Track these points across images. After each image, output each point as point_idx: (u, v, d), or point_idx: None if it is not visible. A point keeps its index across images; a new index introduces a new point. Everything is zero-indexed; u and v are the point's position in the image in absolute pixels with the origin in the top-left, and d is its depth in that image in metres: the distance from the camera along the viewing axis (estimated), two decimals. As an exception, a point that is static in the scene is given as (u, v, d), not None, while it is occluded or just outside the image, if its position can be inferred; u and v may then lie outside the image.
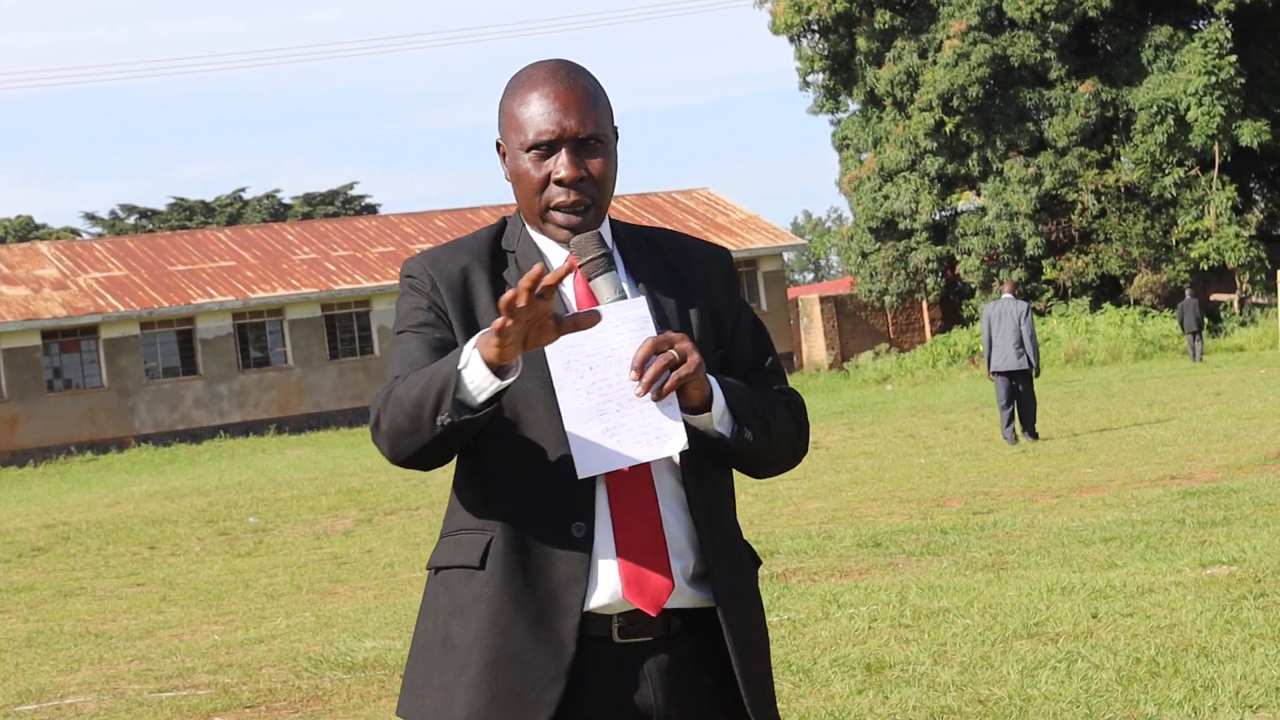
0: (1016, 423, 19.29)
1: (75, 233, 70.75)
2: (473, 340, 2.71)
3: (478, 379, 2.68)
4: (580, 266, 2.85)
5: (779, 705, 3.10)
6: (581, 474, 2.77)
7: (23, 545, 19.08)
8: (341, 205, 73.49)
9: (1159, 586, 8.76)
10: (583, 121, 2.87)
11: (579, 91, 2.89)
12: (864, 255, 46.83)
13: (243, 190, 74.98)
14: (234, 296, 45.93)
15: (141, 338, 45.06)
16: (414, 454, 2.79)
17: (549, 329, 2.65)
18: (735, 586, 2.89)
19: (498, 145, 2.98)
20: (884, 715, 6.67)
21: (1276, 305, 40.79)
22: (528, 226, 2.97)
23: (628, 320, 2.77)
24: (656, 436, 2.75)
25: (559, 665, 2.80)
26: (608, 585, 2.82)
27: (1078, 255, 44.31)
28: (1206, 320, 40.57)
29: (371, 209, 73.79)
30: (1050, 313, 43.62)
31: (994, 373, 19.36)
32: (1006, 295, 19.81)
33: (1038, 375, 19.61)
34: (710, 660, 2.88)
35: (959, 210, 46.19)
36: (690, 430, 2.80)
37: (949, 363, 40.84)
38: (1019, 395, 19.24)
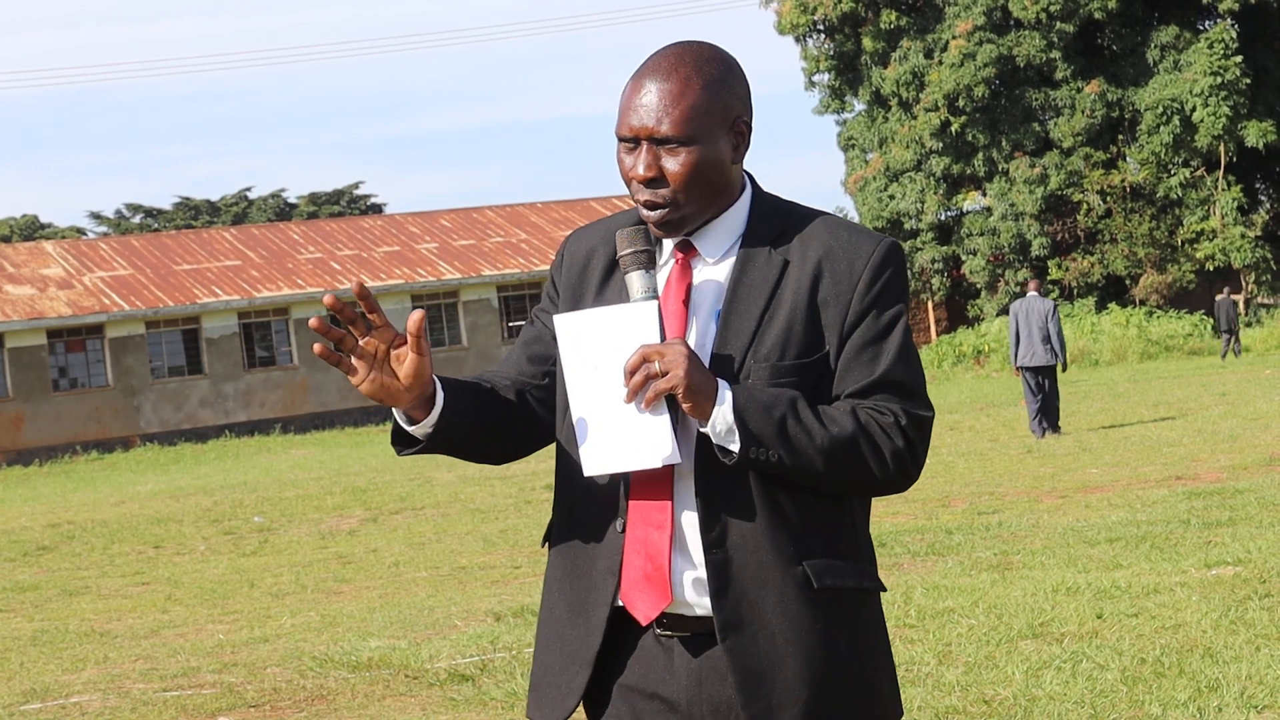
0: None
1: (81, 232, 70.82)
2: None
3: (403, 421, 2.84)
4: (620, 258, 2.83)
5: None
6: (588, 471, 2.77)
7: (28, 544, 19.09)
8: (347, 205, 73.51)
9: (1164, 587, 8.76)
10: (660, 120, 2.79)
11: (671, 85, 2.80)
12: (869, 255, 46.82)
13: (248, 189, 75.08)
14: (239, 296, 45.95)
15: (147, 337, 45.09)
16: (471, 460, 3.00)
17: (403, 358, 2.75)
18: (750, 606, 2.77)
19: None
20: (888, 715, 6.66)
21: (1282, 306, 40.74)
22: None
23: (633, 324, 2.74)
24: (645, 445, 2.72)
25: (588, 652, 2.85)
26: None
27: (1083, 255, 44.29)
28: (1213, 322, 40.54)
29: (377, 208, 73.82)
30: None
31: (1020, 368, 19.89)
32: (1032, 293, 20.38)
33: (1064, 370, 20.30)
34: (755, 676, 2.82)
35: (964, 210, 46.17)
36: (708, 443, 2.75)
37: (954, 363, 40.83)
38: (1044, 390, 19.73)
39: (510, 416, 2.91)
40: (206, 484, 27.59)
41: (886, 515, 13.47)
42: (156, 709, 8.31)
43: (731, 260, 2.85)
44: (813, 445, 2.74)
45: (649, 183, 2.81)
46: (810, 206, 2.96)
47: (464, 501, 18.81)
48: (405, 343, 2.74)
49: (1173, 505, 12.14)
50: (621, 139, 2.84)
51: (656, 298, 2.79)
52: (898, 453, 2.79)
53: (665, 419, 2.72)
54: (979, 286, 45.61)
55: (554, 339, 2.90)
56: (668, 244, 2.89)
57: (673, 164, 2.80)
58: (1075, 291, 44.44)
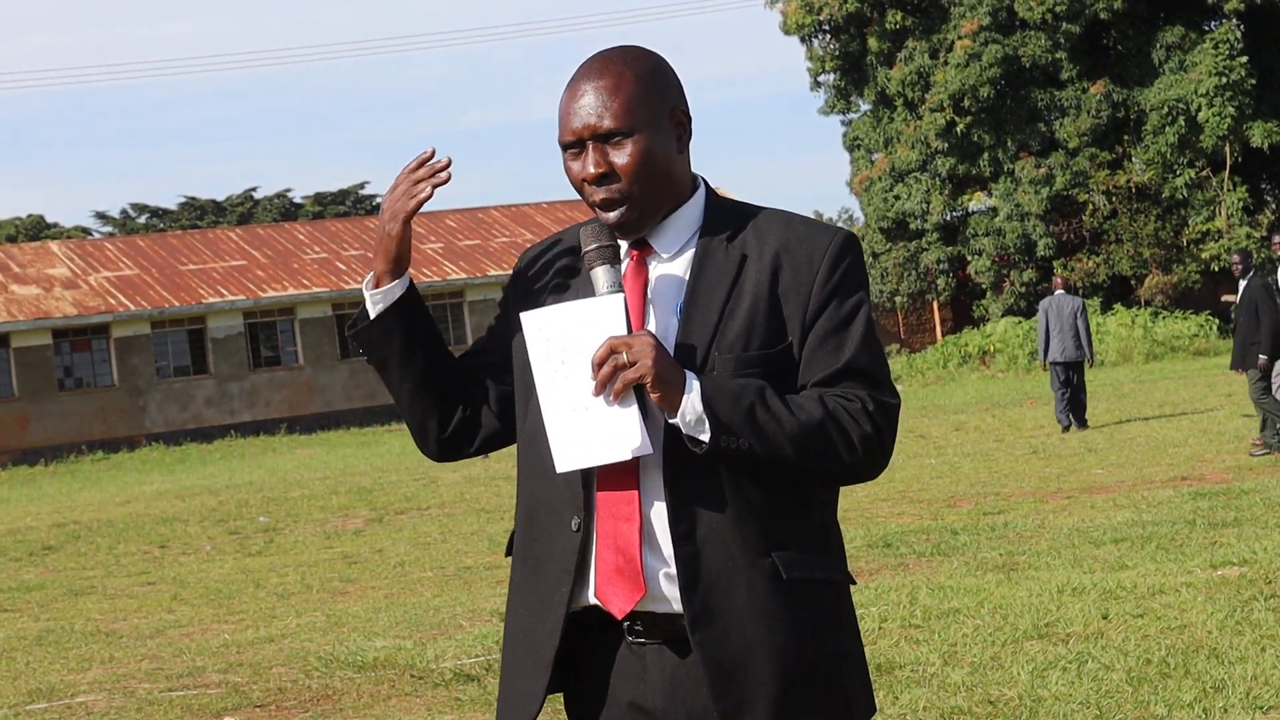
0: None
1: (86, 232, 70.86)
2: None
3: (367, 290, 3.02)
4: (583, 254, 2.86)
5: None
6: (560, 468, 2.77)
7: (33, 544, 19.11)
8: (353, 205, 73.52)
9: (1170, 587, 8.75)
10: (600, 116, 2.83)
11: (607, 83, 2.84)
12: (875, 256, 46.78)
13: (254, 189, 75.06)
14: (245, 296, 45.97)
15: (153, 337, 45.11)
16: (405, 415, 3.04)
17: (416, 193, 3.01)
18: (720, 600, 2.75)
19: None
20: (894, 715, 6.67)
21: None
22: None
23: (601, 316, 2.75)
24: (618, 437, 2.72)
25: (547, 654, 2.83)
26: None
27: (1089, 256, 44.26)
28: (1218, 322, 40.49)
29: (382, 208, 73.72)
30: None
31: (1050, 363, 20.54)
32: (1060, 291, 21.14)
33: (1091, 365, 21.19)
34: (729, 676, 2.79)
35: (970, 211, 46.13)
36: (677, 435, 2.75)
37: (960, 363, 40.80)
38: (1072, 384, 20.43)
39: (454, 372, 3.03)
40: (212, 484, 27.61)
41: (892, 516, 13.47)
42: (162, 709, 8.32)
43: (688, 255, 2.87)
44: (782, 432, 2.74)
45: (600, 180, 2.84)
46: (763, 205, 2.99)
47: (469, 501, 18.82)
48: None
49: (1178, 506, 12.13)
50: (566, 146, 2.88)
51: (622, 291, 2.80)
52: (866, 438, 2.79)
53: (634, 410, 2.72)
54: (984, 287, 45.58)
55: (504, 349, 3.00)
56: (622, 244, 2.91)
57: (620, 156, 2.83)
58: (1080, 292, 44.39)
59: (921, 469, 17.20)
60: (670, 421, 2.75)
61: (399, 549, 15.04)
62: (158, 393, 44.90)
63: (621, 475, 2.79)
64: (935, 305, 48.97)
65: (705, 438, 2.72)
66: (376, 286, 3.00)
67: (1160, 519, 11.50)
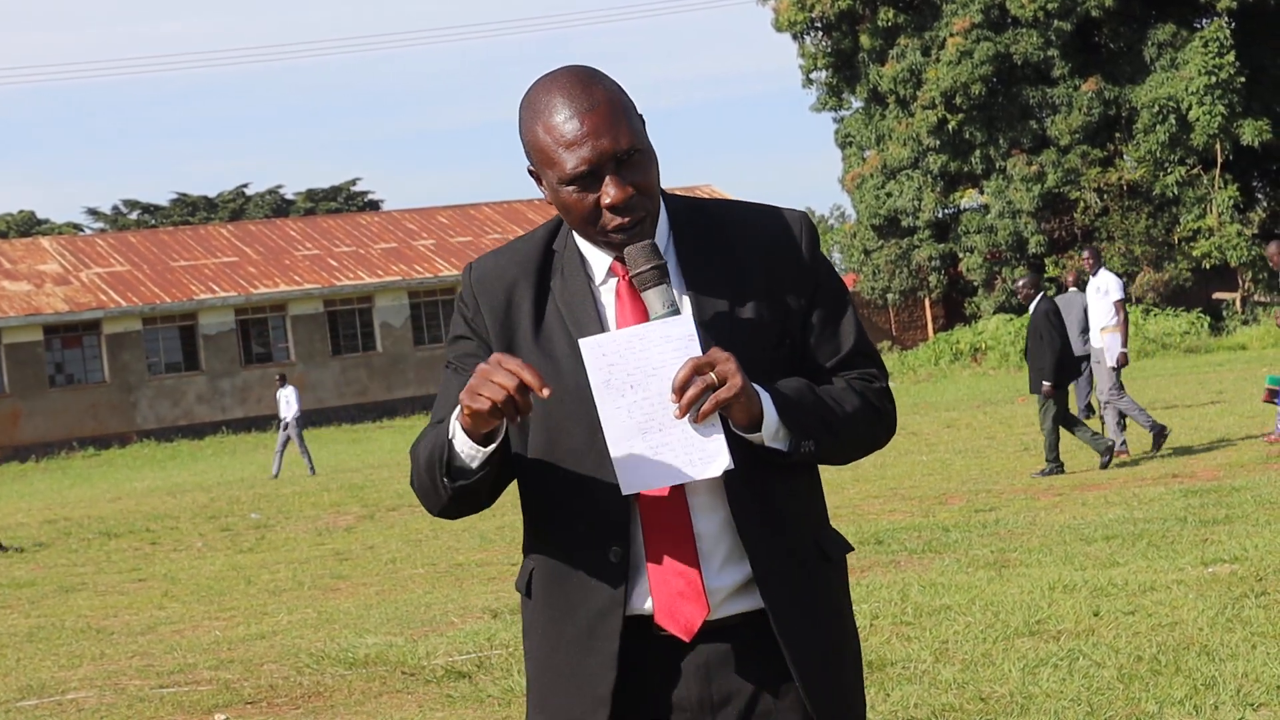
0: (1093, 396, 20.62)
1: (78, 228, 70.76)
2: (458, 409, 2.69)
3: (465, 449, 2.70)
4: (633, 277, 2.74)
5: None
6: (626, 490, 2.70)
7: (24, 540, 19.09)
8: (344, 201, 73.48)
9: (1161, 584, 8.76)
10: (616, 138, 2.70)
11: (602, 105, 2.72)
12: (866, 253, 46.81)
13: (245, 186, 75.03)
14: (236, 292, 45.93)
15: (144, 333, 45.07)
16: (444, 509, 2.82)
17: (523, 405, 2.62)
18: (792, 590, 2.80)
19: (530, 172, 2.84)
20: (885, 712, 6.67)
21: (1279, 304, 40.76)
22: (575, 233, 2.86)
23: (671, 338, 2.68)
24: (700, 458, 2.68)
25: (603, 691, 2.78)
26: (645, 596, 2.78)
27: (1080, 253, 44.31)
28: (1209, 320, 40.55)
29: (374, 205, 73.79)
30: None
31: None
32: (1073, 288, 21.05)
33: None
34: (762, 653, 2.81)
35: (961, 208, 46.16)
36: (746, 446, 2.73)
37: (951, 360, 40.82)
38: (1082, 374, 20.59)
39: (506, 457, 2.82)
40: (203, 480, 27.60)
41: (884, 513, 13.48)
42: (153, 705, 8.31)
43: (673, 264, 2.82)
44: (840, 426, 2.81)
45: (627, 204, 2.72)
46: (706, 198, 2.95)
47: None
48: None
49: (1170, 503, 12.14)
50: (574, 179, 2.71)
51: (679, 311, 2.72)
52: (888, 414, 2.91)
53: (719, 429, 2.69)
54: (976, 284, 45.61)
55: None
56: (602, 262, 2.83)
57: (639, 176, 2.74)
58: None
59: (913, 466, 17.20)
60: (745, 436, 2.72)
61: (390, 546, 15.03)
62: (149, 389, 44.85)
63: (666, 501, 2.76)
64: (927, 302, 49.01)
65: (784, 446, 2.74)
66: (484, 443, 2.70)
67: (1151, 516, 11.51)
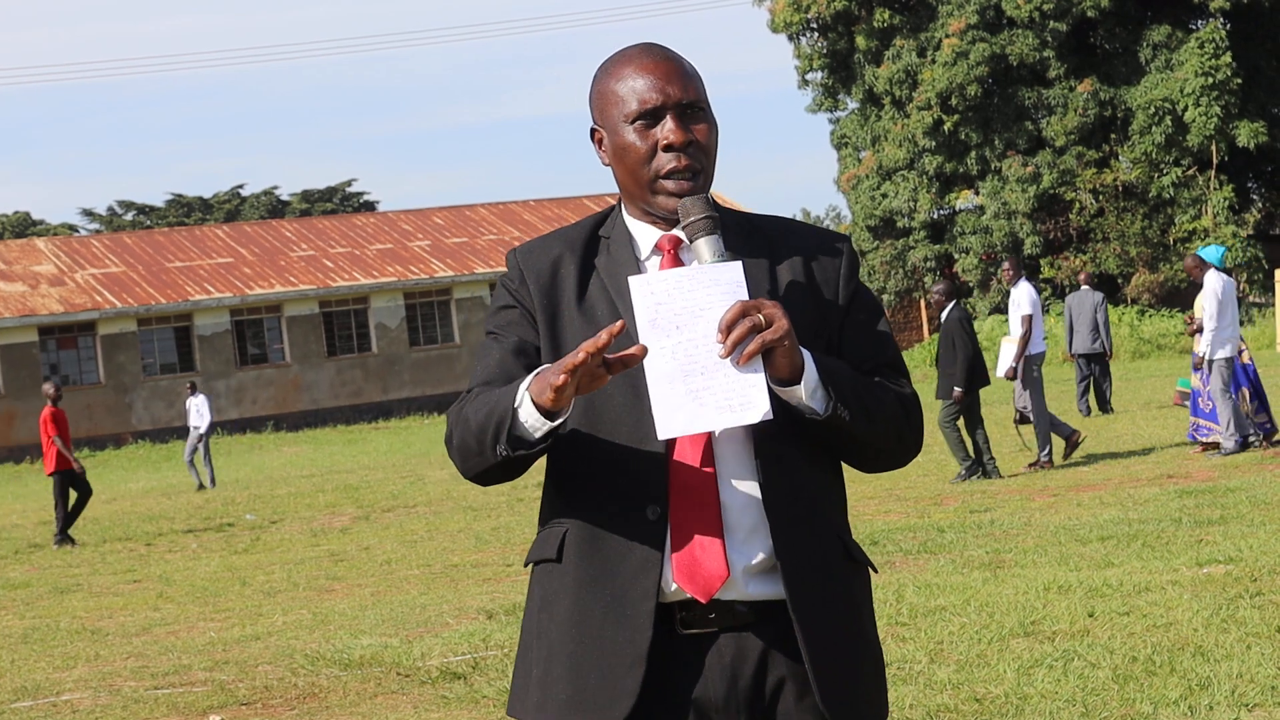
0: (1091, 396, 22.14)
1: (73, 229, 70.71)
2: (527, 380, 2.72)
3: (531, 419, 2.71)
4: (685, 226, 2.79)
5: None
6: (662, 434, 2.70)
7: (19, 541, 19.07)
8: (340, 202, 73.46)
9: (1155, 585, 8.76)
10: (685, 87, 2.83)
11: (675, 62, 2.86)
12: (862, 254, 46.82)
13: (241, 187, 74.99)
14: (232, 293, 45.91)
15: (139, 334, 45.04)
16: (482, 473, 2.84)
17: (600, 375, 2.66)
18: (813, 583, 2.79)
19: (593, 133, 2.93)
20: (880, 713, 6.66)
21: (1274, 305, 40.81)
22: (624, 213, 2.93)
23: (720, 283, 2.70)
24: (740, 403, 2.67)
25: (638, 649, 2.77)
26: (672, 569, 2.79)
27: (1075, 254, 44.32)
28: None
29: (370, 206, 73.78)
30: (1049, 312, 43.66)
31: (1074, 354, 22.17)
32: (1085, 287, 22.15)
33: (1110, 357, 22.56)
34: (784, 652, 2.81)
35: (957, 209, 46.18)
36: (781, 407, 2.73)
37: (949, 361, 40.81)
38: (1094, 374, 21.93)
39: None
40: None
41: (879, 514, 13.48)
42: (148, 707, 8.30)
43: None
44: (874, 406, 2.82)
45: (684, 147, 2.82)
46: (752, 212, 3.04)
47: (456, 499, 18.80)
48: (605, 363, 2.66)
49: (1164, 503, 12.14)
50: (638, 117, 2.82)
51: (737, 258, 2.77)
52: (916, 421, 2.92)
53: (760, 375, 2.68)
54: (971, 285, 45.63)
55: (537, 355, 2.86)
56: (649, 238, 2.88)
57: (699, 129, 2.84)
58: (1067, 290, 44.48)
59: (908, 467, 17.18)
60: (782, 393, 2.72)
61: (386, 547, 15.02)
62: (144, 390, 44.82)
63: (696, 459, 2.77)
64: (922, 303, 49.04)
65: (820, 406, 2.74)
66: (551, 415, 2.71)
67: (1146, 517, 11.51)
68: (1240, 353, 15.25)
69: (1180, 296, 44.32)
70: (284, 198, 74.11)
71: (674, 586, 2.78)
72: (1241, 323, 42.10)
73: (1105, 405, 21.82)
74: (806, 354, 2.74)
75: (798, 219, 3.06)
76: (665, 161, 2.81)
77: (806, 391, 2.73)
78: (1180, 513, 11.51)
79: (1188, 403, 15.81)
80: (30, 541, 18.94)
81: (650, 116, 2.82)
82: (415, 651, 8.98)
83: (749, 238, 2.90)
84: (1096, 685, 6.75)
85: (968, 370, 15.40)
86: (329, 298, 47.01)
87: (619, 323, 2.62)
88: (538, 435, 2.72)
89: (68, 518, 18.38)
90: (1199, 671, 6.77)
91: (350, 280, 47.33)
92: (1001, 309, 43.72)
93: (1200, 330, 14.95)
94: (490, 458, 2.76)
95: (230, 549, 16.25)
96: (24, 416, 43.22)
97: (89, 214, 73.06)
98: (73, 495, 18.81)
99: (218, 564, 15.03)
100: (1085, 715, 6.36)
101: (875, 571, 2.99)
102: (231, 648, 9.96)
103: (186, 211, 72.11)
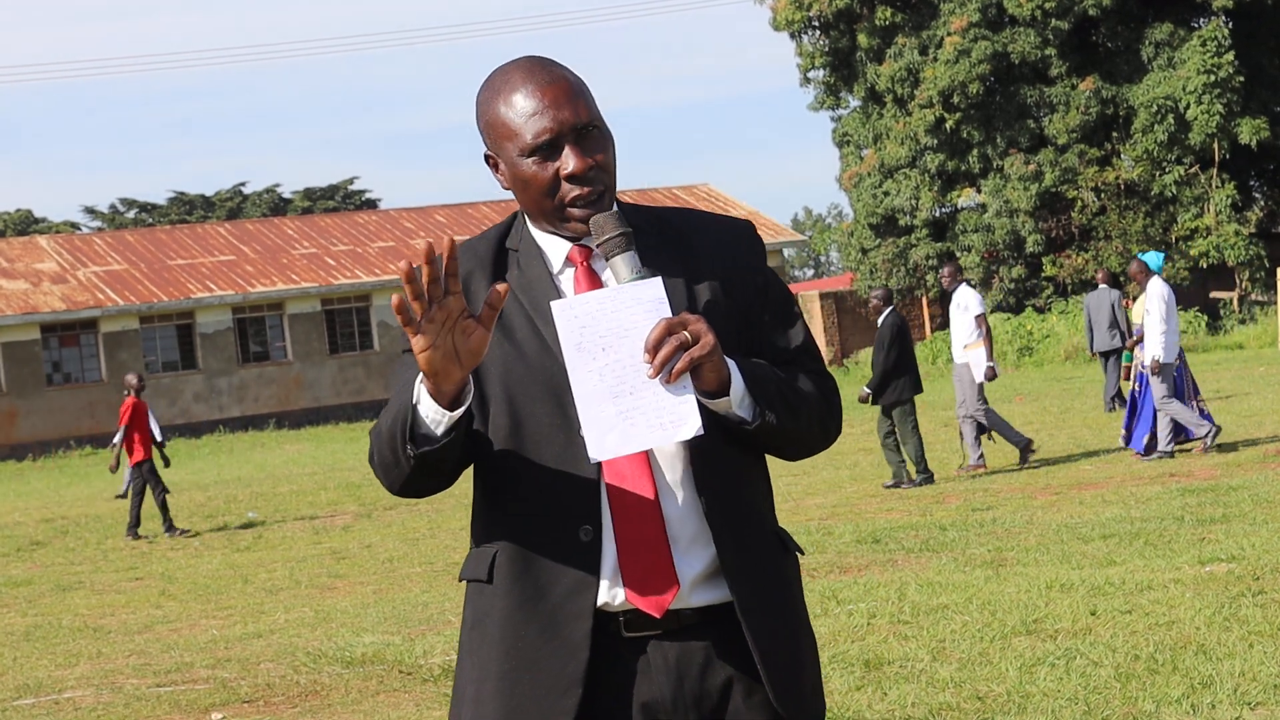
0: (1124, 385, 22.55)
1: (75, 226, 70.73)
2: (420, 375, 2.66)
3: (431, 413, 2.66)
4: (599, 245, 2.75)
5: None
6: (595, 457, 2.67)
7: (21, 539, 19.08)
8: (342, 200, 73.46)
9: (1158, 584, 8.76)
10: (576, 109, 2.76)
11: (562, 82, 2.77)
12: (864, 252, 46.81)
13: (243, 184, 74.98)
14: (234, 291, 45.91)
15: (141, 332, 45.05)
16: (404, 485, 2.77)
17: (471, 330, 2.59)
18: (758, 582, 2.80)
19: (487, 158, 2.87)
20: (882, 711, 6.67)
21: (1276, 303, 40.79)
22: (530, 225, 2.89)
23: (643, 301, 2.68)
24: (671, 420, 2.66)
25: (575, 671, 2.75)
26: (613, 583, 2.76)
27: (1078, 252, 44.31)
28: (1206, 319, 40.57)
29: (372, 204, 73.78)
30: (1050, 310, 43.65)
31: (1096, 352, 22.67)
32: (1103, 285, 22.29)
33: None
34: (729, 653, 2.80)
35: (959, 207, 46.16)
36: (710, 415, 2.72)
37: (948, 359, 40.82)
38: (1116, 371, 22.17)
39: (470, 430, 2.78)
40: (200, 479, 27.58)
41: (881, 512, 13.48)
42: (150, 704, 8.31)
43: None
44: (799, 405, 2.82)
45: (586, 175, 2.76)
46: (656, 205, 3.00)
47: (458, 497, 18.80)
48: (473, 315, 2.62)
49: (1167, 502, 12.14)
50: (536, 148, 2.75)
51: (657, 274, 2.73)
52: (836, 409, 2.93)
53: (690, 392, 2.67)
54: (973, 283, 45.63)
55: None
56: (559, 251, 2.85)
57: (598, 150, 2.79)
58: (1070, 288, 44.48)
59: (911, 465, 17.20)
60: (710, 405, 2.72)
61: (387, 544, 15.03)
62: (146, 388, 44.86)
63: (634, 475, 2.75)
64: (924, 301, 49.02)
65: (748, 414, 2.75)
66: (450, 406, 2.65)
67: (1149, 515, 11.51)
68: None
69: (1182, 295, 44.32)
70: (286, 195, 74.12)
71: (609, 598, 2.76)
72: (1244, 321, 42.14)
73: (1119, 397, 22.13)
74: (732, 364, 2.73)
75: (699, 209, 3.01)
76: (569, 190, 2.77)
77: (735, 401, 2.73)
78: (1183, 511, 11.51)
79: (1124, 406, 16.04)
80: (32, 539, 18.94)
81: (548, 148, 2.76)
82: (417, 649, 8.98)
83: (661, 236, 2.86)
84: (1099, 683, 6.75)
85: (881, 378, 15.45)
86: (331, 295, 47.02)
87: (425, 245, 2.59)
88: (440, 430, 2.66)
89: (163, 508, 18.20)
90: (1201, 670, 6.77)
91: (352, 278, 47.34)
92: (1002, 308, 43.72)
93: (1142, 340, 15.34)
94: (405, 465, 2.69)
95: (232, 547, 16.26)
96: (25, 414, 43.23)
97: (91, 212, 73.11)
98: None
99: (219, 562, 15.03)
100: (1088, 714, 6.36)
101: (803, 554, 2.99)
102: (233, 645, 9.97)
103: (188, 209, 72.12)
